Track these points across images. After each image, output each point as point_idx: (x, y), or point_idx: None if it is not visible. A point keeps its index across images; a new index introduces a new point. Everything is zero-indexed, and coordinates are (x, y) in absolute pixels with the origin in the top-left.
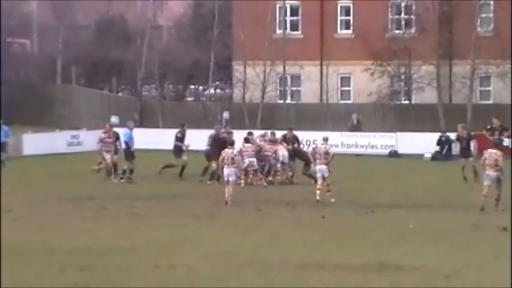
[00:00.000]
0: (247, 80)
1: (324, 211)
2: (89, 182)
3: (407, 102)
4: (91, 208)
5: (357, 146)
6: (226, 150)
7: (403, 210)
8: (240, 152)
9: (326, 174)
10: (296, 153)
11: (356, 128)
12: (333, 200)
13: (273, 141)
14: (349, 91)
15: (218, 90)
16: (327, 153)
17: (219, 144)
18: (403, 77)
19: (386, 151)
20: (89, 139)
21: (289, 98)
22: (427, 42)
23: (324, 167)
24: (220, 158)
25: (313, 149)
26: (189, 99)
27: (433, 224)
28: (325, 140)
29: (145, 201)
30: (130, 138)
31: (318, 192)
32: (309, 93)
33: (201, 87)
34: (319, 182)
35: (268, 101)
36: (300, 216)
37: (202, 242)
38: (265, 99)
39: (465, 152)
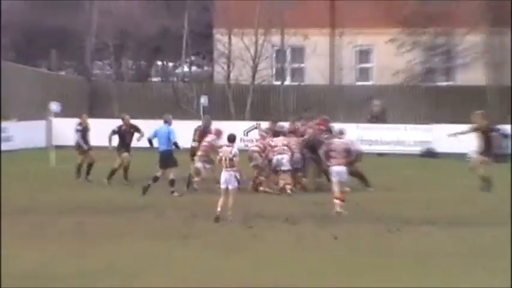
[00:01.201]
0: (233, 54)
1: (335, 229)
2: (24, 189)
3: (446, 83)
4: (28, 224)
5: (379, 143)
6: (224, 148)
7: (437, 228)
8: (264, 148)
9: (343, 179)
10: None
11: (378, 118)
12: (344, 211)
13: (278, 133)
14: (369, 69)
15: (194, 68)
16: (347, 150)
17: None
18: (441, 50)
19: (419, 149)
20: (21, 133)
21: (288, 78)
22: (473, 4)
23: (343, 168)
24: (218, 158)
25: (327, 145)
26: (155, 79)
27: (476, 245)
28: (342, 132)
29: (99, 215)
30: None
31: (337, 202)
32: (315, 72)
33: (171, 64)
34: (337, 188)
35: (260, 82)
36: (302, 235)
37: (172, 266)
38: (256, 79)
39: None
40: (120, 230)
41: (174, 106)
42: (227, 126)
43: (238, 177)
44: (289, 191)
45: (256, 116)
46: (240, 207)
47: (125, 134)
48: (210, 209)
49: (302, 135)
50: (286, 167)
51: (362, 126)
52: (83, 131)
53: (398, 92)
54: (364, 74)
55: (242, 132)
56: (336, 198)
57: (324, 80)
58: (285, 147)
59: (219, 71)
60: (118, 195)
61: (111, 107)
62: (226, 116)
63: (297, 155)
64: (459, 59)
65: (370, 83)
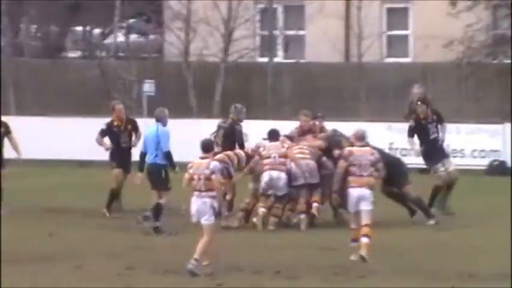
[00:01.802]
0: (194, 16)
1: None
2: None
3: None
4: None
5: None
6: (196, 161)
7: None
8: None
9: (368, 206)
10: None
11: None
12: (367, 256)
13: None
14: (404, 39)
15: (133, 37)
16: (374, 163)
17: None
18: None
19: (484, 162)
20: None
21: (280, 53)
22: None
23: (365, 191)
24: (186, 176)
25: (342, 155)
26: (73, 54)
27: None
28: (363, 137)
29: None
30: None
31: (354, 244)
32: (321, 44)
33: (97, 31)
34: (354, 224)
35: (237, 58)
36: None
37: None
38: (231, 54)
39: None
40: None
41: (102, 95)
42: (185, 126)
43: (216, 206)
44: (271, 226)
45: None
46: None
47: (119, 134)
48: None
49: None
50: (281, 191)
51: (396, 126)
52: None
53: (451, 74)
54: (397, 46)
55: (209, 136)
56: (354, 240)
57: (336, 55)
58: (281, 159)
59: (172, 42)
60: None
61: (3, 97)
62: (184, 111)
63: (312, 164)
64: None
65: (407, 59)
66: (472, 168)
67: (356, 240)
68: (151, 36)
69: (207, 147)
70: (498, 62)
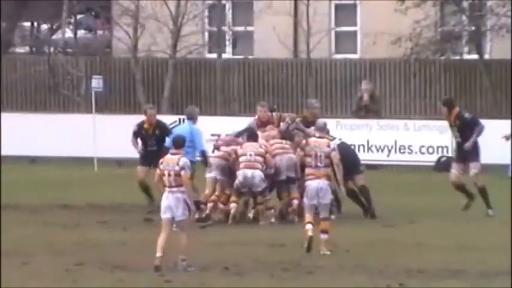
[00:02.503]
0: (143, 12)
1: (305, 284)
2: None
3: (474, 57)
4: None
5: (371, 148)
6: (167, 157)
7: (461, 282)
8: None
9: (326, 200)
10: None
11: (368, 110)
12: (328, 252)
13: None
14: (352, 34)
15: (81, 33)
16: (329, 155)
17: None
18: (466, 4)
19: (432, 158)
20: None
21: (229, 49)
22: None
23: (322, 182)
24: (157, 173)
25: (302, 147)
26: (20, 50)
27: None
28: (322, 128)
29: None
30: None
31: (309, 233)
32: (270, 40)
33: (45, 27)
34: (309, 217)
35: (185, 55)
36: None
37: None
38: (180, 51)
39: None
40: None
41: (49, 91)
42: (134, 122)
43: (188, 202)
44: (272, 219)
45: (179, 107)
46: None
47: (146, 138)
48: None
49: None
50: (259, 187)
51: (344, 122)
52: None
53: (399, 70)
54: (345, 42)
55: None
56: (324, 231)
57: (284, 51)
58: (258, 157)
59: (120, 38)
60: None
61: None
62: (132, 107)
63: (292, 157)
64: (494, 20)
65: (355, 56)
66: (420, 164)
67: (309, 223)
68: (100, 32)
69: (178, 143)
70: (446, 59)
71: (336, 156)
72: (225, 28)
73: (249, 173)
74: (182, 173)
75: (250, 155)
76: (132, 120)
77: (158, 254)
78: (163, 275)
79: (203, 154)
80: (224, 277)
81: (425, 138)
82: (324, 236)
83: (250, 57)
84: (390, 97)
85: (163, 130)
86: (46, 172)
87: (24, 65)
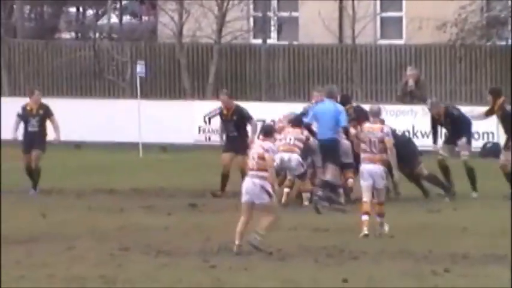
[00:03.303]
0: None
1: (349, 269)
2: None
3: None
4: None
5: (416, 134)
6: (257, 142)
7: (504, 268)
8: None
9: (380, 183)
10: None
11: (413, 95)
12: (386, 228)
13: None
14: (397, 20)
15: (127, 19)
16: (383, 140)
17: None
18: None
19: (478, 144)
20: None
21: (274, 34)
22: None
23: (377, 167)
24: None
25: (355, 134)
26: (66, 35)
27: None
28: (377, 113)
29: None
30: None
31: (364, 218)
32: (315, 26)
33: (90, 12)
34: (366, 197)
35: (231, 40)
36: (289, 278)
37: None
38: (224, 36)
39: None
40: None
41: (94, 77)
42: (178, 108)
43: (267, 187)
44: (306, 202)
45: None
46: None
47: (225, 122)
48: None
49: None
50: (296, 170)
51: (389, 108)
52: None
53: (444, 56)
54: (391, 27)
55: (202, 118)
56: (365, 213)
57: (329, 37)
58: (297, 142)
59: (165, 23)
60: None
61: None
62: (177, 92)
63: (344, 143)
64: None
65: (400, 41)
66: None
67: (367, 213)
68: (145, 18)
69: (267, 131)
70: (492, 44)
71: (389, 141)
72: (270, 13)
73: (286, 157)
74: (266, 155)
75: (290, 139)
76: (177, 106)
77: (237, 242)
78: (208, 260)
79: (346, 130)
80: (268, 262)
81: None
82: (380, 219)
83: (295, 42)
84: (435, 83)
85: (241, 115)
86: (91, 157)
87: (70, 51)
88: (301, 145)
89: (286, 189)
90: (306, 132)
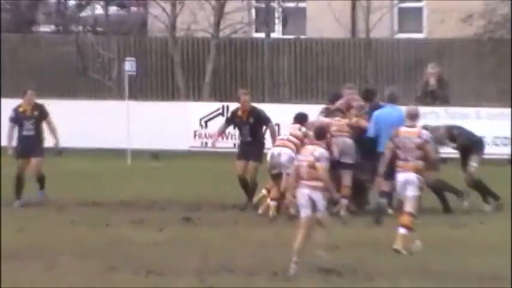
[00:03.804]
0: None
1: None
2: None
3: None
4: None
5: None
6: (306, 148)
7: None
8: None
9: (413, 192)
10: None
11: (435, 95)
12: (404, 251)
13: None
14: (417, 11)
15: (113, 10)
16: (421, 146)
17: None
18: None
19: (508, 151)
20: None
21: (278, 28)
22: None
23: (410, 176)
24: (295, 163)
25: (390, 137)
26: (45, 29)
27: None
28: (414, 116)
29: None
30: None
31: (401, 233)
32: (324, 18)
33: (73, 2)
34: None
35: (230, 34)
36: None
37: None
38: (223, 30)
39: None
40: None
41: (77, 75)
42: (171, 109)
43: (318, 197)
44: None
45: (222, 93)
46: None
47: (240, 126)
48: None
49: None
50: (287, 167)
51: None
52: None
53: (470, 51)
54: (410, 19)
55: (198, 122)
56: (404, 226)
57: (340, 30)
58: (292, 138)
59: (157, 15)
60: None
61: None
62: (170, 92)
63: (347, 141)
64: None
65: (420, 35)
66: (494, 158)
67: (405, 226)
68: (134, 9)
69: (319, 133)
70: None
71: (430, 149)
72: (274, 4)
73: (277, 151)
74: (318, 164)
75: (285, 135)
76: (170, 107)
77: (294, 259)
78: (205, 280)
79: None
80: (273, 282)
81: (500, 127)
82: (402, 231)
83: (302, 37)
84: (460, 81)
85: (258, 118)
86: (74, 165)
87: (50, 46)
88: (296, 141)
89: (271, 202)
90: (304, 128)
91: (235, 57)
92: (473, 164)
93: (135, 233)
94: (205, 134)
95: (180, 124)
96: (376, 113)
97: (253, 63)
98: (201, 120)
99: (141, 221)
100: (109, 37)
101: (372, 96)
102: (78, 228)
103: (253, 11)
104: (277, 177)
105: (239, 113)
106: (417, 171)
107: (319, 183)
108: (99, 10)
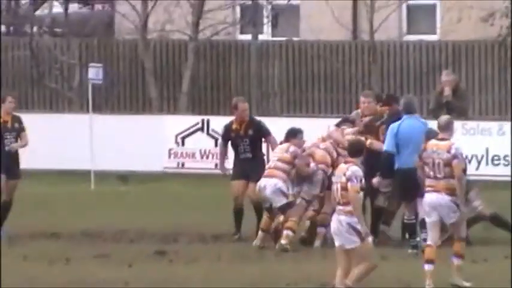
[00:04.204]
0: None
1: None
2: None
3: None
4: None
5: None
6: (340, 166)
7: None
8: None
9: (451, 217)
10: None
11: (451, 107)
12: (467, 283)
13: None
14: (430, 9)
15: (74, 7)
16: (449, 162)
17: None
18: None
19: None
20: None
21: (267, 28)
22: None
23: (442, 197)
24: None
25: (419, 153)
26: None
27: None
28: (446, 127)
29: None
30: None
31: (428, 268)
32: (321, 16)
33: (25, 1)
34: (430, 239)
35: (210, 36)
36: None
37: None
38: (203, 31)
39: None
40: None
41: (32, 83)
42: (143, 124)
43: (356, 225)
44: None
45: (201, 105)
46: None
47: (236, 141)
48: None
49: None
50: (274, 201)
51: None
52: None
53: (491, 56)
54: (421, 19)
55: (174, 139)
56: (429, 261)
57: (340, 31)
58: (280, 164)
59: (126, 14)
60: None
61: None
62: (141, 104)
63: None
64: None
65: (433, 37)
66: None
67: (430, 261)
68: (98, 6)
69: (353, 148)
70: None
71: (458, 165)
72: (262, 1)
73: (262, 183)
74: (348, 186)
75: (273, 160)
76: (142, 121)
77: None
78: None
79: None
80: None
81: None
82: (457, 261)
83: (295, 39)
84: (480, 91)
85: (259, 130)
86: (28, 189)
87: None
88: (285, 166)
89: (259, 233)
90: (292, 148)
91: (217, 63)
92: None
93: (100, 269)
94: (181, 153)
95: (153, 141)
96: (394, 125)
97: (238, 70)
98: (177, 136)
99: (107, 255)
100: (69, 40)
101: (393, 102)
102: (33, 265)
103: (238, 9)
104: (270, 210)
105: (234, 126)
106: (450, 191)
107: (348, 208)
108: (57, 8)
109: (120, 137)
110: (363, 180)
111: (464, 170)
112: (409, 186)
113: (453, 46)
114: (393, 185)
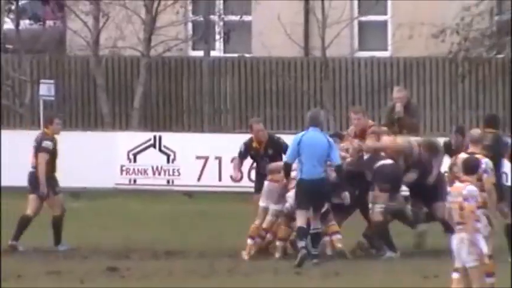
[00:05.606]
0: None
1: None
2: None
3: None
4: None
5: None
6: (456, 185)
7: None
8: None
9: (484, 247)
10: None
11: (402, 123)
12: None
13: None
14: (381, 25)
15: (25, 23)
16: (480, 178)
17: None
18: None
19: None
20: None
21: (219, 45)
22: None
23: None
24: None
25: (450, 165)
26: None
27: None
28: (478, 141)
29: None
30: None
31: (489, 282)
32: (273, 33)
33: None
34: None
35: (163, 52)
36: None
37: None
38: (155, 47)
39: None
40: None
41: None
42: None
43: (478, 243)
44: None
45: (154, 121)
46: None
47: (256, 159)
48: None
49: None
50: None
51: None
52: None
53: (442, 73)
54: (373, 35)
55: (126, 155)
56: (489, 274)
57: (292, 47)
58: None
59: (77, 30)
60: None
61: None
62: (93, 121)
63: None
64: None
65: (385, 53)
66: None
67: (489, 274)
68: (50, 23)
69: (468, 166)
70: (504, 57)
71: (488, 180)
72: (214, 17)
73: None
74: (465, 205)
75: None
76: (93, 138)
77: None
78: None
79: (339, 170)
80: None
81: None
82: (490, 280)
83: (247, 55)
84: (431, 108)
85: (278, 147)
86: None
87: None
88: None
89: (249, 241)
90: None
91: (169, 79)
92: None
93: (52, 286)
94: (134, 170)
95: (105, 157)
96: (297, 136)
97: (190, 86)
98: (129, 152)
99: (59, 272)
100: (20, 56)
101: (461, 132)
102: None
103: (190, 26)
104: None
105: (254, 144)
106: (481, 205)
107: (468, 227)
108: (8, 24)
109: (72, 153)
110: (479, 199)
111: (494, 185)
112: (314, 197)
113: (404, 62)
114: (296, 195)
